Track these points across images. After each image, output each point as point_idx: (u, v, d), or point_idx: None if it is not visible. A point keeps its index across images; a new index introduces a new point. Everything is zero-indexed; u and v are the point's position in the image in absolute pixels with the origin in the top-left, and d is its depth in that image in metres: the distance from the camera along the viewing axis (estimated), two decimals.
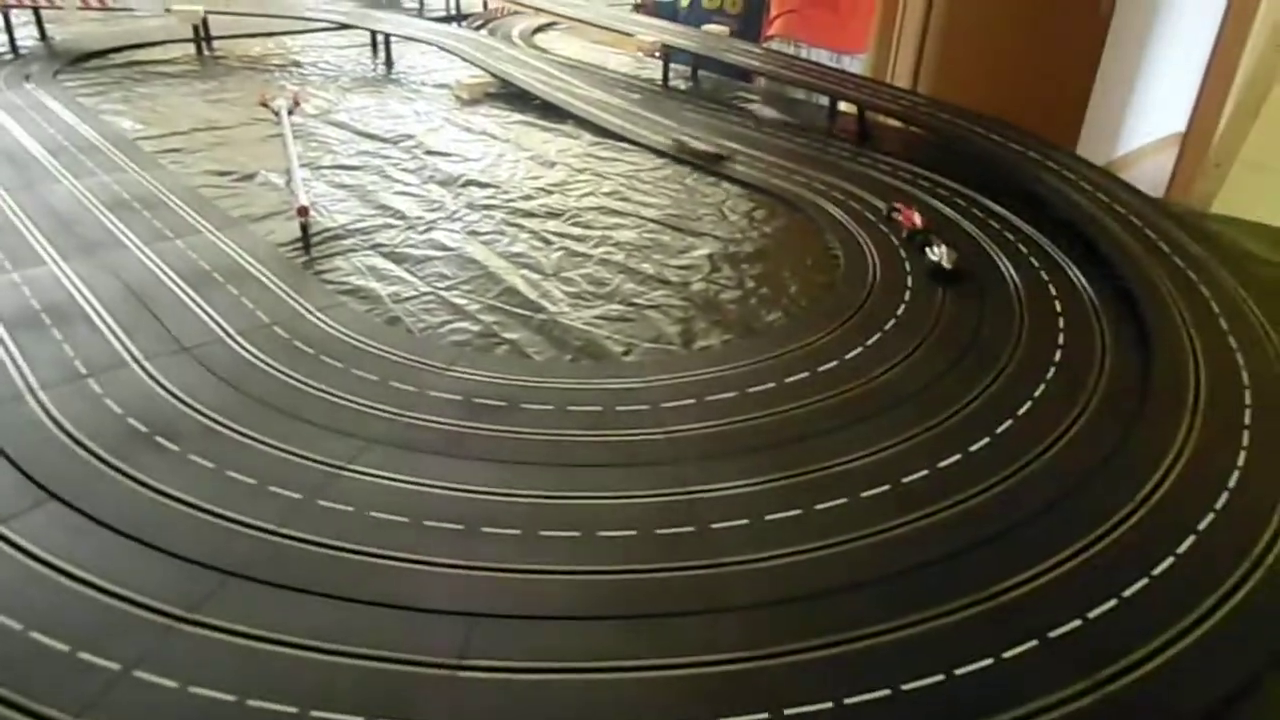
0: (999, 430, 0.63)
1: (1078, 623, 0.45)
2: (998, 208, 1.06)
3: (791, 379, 0.70)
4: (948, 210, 1.05)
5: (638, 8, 2.28)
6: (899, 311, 0.81)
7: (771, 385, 0.69)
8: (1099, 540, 0.51)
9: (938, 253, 0.89)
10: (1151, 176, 2.09)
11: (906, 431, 0.62)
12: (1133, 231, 0.96)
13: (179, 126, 1.28)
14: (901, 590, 0.48)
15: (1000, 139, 1.22)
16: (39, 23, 1.69)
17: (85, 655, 0.42)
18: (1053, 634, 0.44)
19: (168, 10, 1.71)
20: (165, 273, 0.82)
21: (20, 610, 0.44)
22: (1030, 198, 1.07)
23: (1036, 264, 0.91)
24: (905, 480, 0.57)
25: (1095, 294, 0.85)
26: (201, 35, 1.73)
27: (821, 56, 1.78)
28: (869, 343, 0.75)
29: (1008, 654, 0.43)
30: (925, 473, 0.58)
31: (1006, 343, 0.75)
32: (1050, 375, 0.70)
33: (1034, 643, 0.44)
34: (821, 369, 0.71)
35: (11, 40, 1.61)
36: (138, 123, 1.28)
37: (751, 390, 0.68)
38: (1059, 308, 0.82)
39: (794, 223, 1.04)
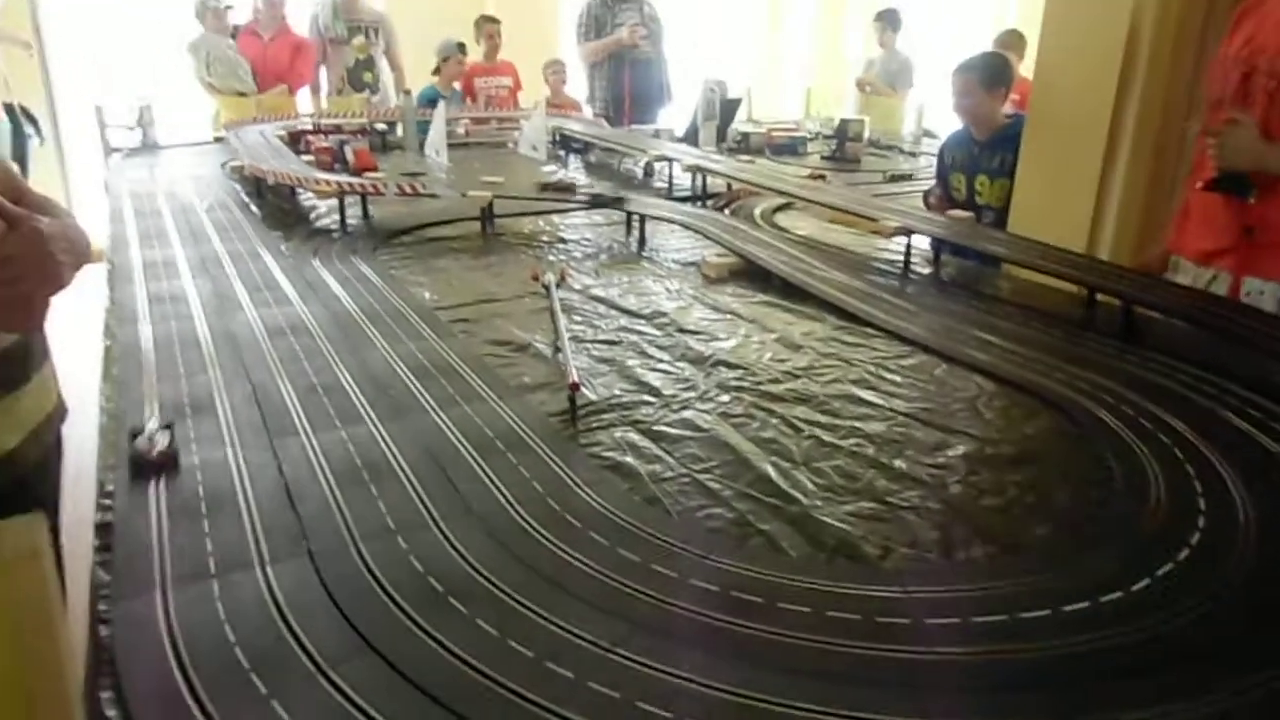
0: None
1: None
2: None
3: (1070, 608, 0.65)
4: (1239, 421, 0.96)
5: (927, 204, 2.40)
6: (1192, 539, 0.74)
7: (1046, 613, 0.65)
8: None
9: None
10: None
11: (1214, 694, 0.56)
12: None
13: (466, 298, 1.47)
14: None
15: None
16: (364, 204, 2.04)
17: None
18: None
19: (463, 195, 2.00)
20: (457, 437, 0.93)
21: None
22: None
23: None
24: None
25: None
26: (487, 214, 2.00)
27: None
28: (1159, 573, 0.69)
29: None
30: None
31: None
32: None
33: None
34: (1104, 599, 0.66)
35: (343, 220, 1.95)
36: (434, 293, 1.49)
37: (1024, 616, 0.64)
38: None
39: (1056, 425, 0.99)
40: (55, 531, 0.94)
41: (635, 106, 4.15)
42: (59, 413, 0.97)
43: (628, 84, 4.15)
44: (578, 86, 4.36)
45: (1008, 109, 2.43)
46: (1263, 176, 1.42)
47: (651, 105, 4.23)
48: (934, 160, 2.64)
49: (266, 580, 0.66)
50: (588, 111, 4.18)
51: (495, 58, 4.36)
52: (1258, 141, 1.42)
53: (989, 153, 2.31)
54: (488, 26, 4.32)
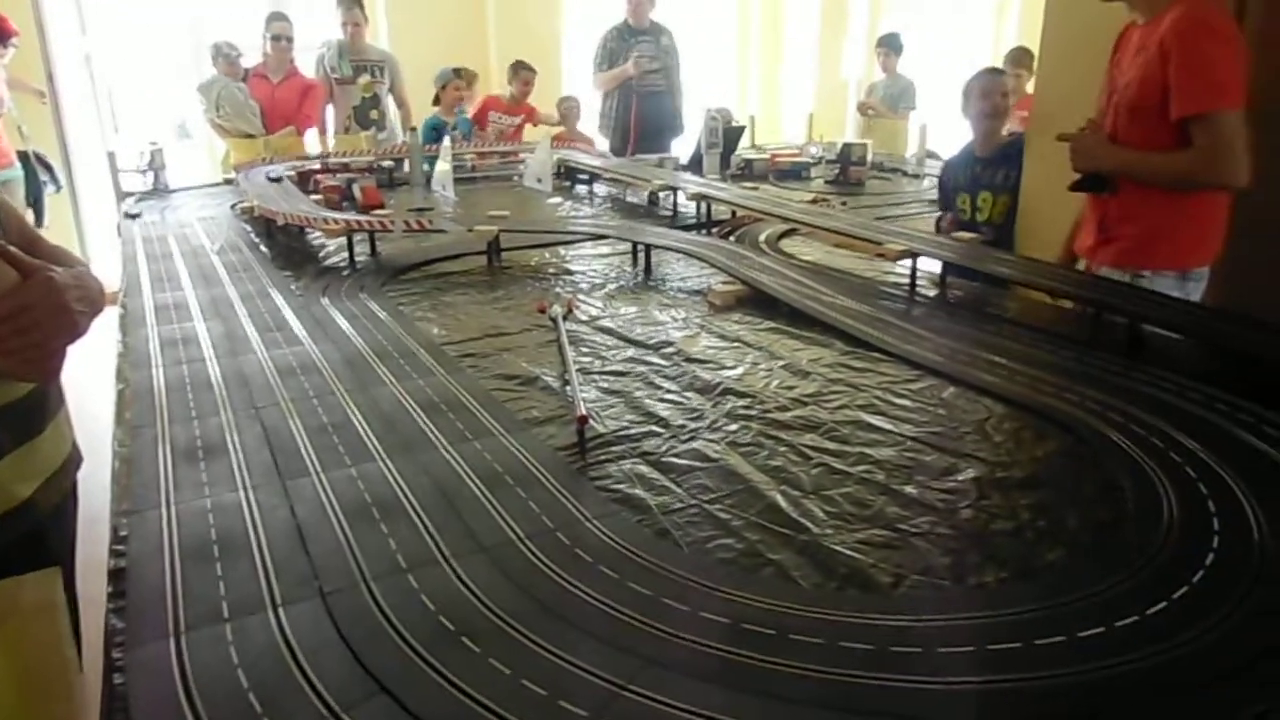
0: None
1: None
2: None
3: (1085, 634, 0.64)
4: (1251, 438, 0.95)
5: (939, 228, 2.40)
6: (1207, 560, 0.73)
7: (1061, 639, 0.64)
8: None
9: None
10: None
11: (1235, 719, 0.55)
12: None
13: (473, 332, 1.48)
14: None
15: None
16: (372, 241, 2.06)
17: None
18: None
19: (469, 230, 2.03)
20: (466, 473, 0.93)
21: None
22: None
23: None
24: None
25: None
26: (494, 248, 2.02)
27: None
28: (1175, 596, 0.68)
29: None
30: None
31: None
32: None
33: None
34: (1120, 624, 0.65)
35: (351, 257, 1.97)
36: (442, 329, 1.50)
37: (1039, 643, 0.64)
38: None
39: (1066, 446, 0.99)
40: (70, 578, 0.95)
41: (644, 137, 4.20)
42: (74, 460, 0.98)
43: (634, 115, 4.20)
44: (592, 121, 4.47)
45: (1015, 126, 2.44)
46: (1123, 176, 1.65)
47: (662, 136, 4.28)
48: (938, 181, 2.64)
49: (279, 623, 0.67)
50: (601, 142, 4.24)
51: (524, 102, 4.48)
52: (1101, 146, 1.68)
53: (991, 169, 2.33)
54: (523, 73, 4.45)
